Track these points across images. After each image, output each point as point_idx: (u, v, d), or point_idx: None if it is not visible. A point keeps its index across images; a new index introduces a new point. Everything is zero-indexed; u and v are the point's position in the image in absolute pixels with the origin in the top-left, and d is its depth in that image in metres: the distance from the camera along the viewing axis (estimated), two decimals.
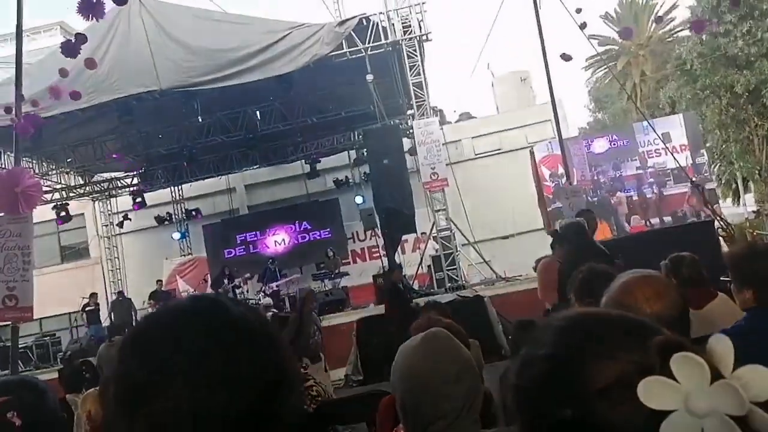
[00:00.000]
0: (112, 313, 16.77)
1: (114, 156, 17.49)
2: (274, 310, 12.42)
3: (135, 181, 20.01)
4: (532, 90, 23.84)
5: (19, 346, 15.58)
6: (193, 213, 21.07)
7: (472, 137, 21.83)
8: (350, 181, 20.79)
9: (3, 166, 16.20)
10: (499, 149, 21.55)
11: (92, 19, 7.25)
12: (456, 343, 1.55)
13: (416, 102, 14.08)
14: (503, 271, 15.50)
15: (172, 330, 0.83)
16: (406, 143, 16.59)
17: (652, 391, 0.52)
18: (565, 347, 0.64)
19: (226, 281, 15.95)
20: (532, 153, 16.41)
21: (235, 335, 0.84)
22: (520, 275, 15.89)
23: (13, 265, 9.09)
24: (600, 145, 16.06)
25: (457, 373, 1.49)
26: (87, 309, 16.23)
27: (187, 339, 0.82)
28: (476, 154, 21.70)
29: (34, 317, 9.92)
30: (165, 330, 0.84)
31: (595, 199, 15.62)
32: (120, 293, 17.61)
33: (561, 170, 14.02)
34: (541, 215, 15.85)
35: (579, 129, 30.92)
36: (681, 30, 29.74)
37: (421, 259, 15.86)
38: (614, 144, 16.04)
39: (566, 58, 9.51)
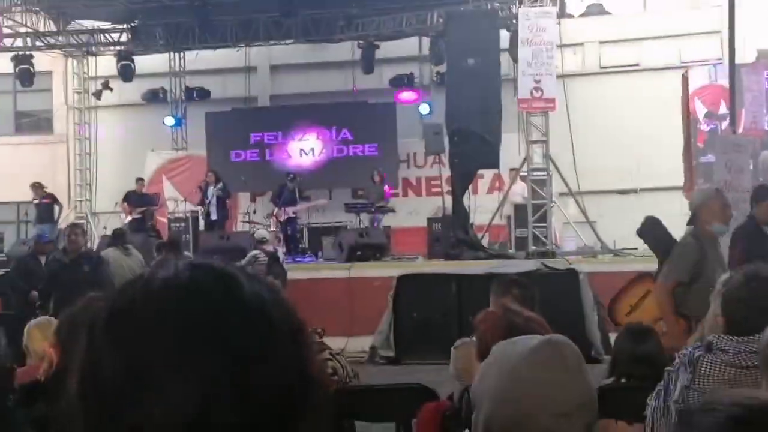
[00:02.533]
0: None
1: None
2: (267, 250, 12.41)
3: (124, 38, 20.24)
4: None
5: None
6: (196, 94, 21.33)
7: (600, 42, 21.20)
8: (416, 80, 20.59)
9: None
10: (637, 65, 20.91)
11: None
12: (583, 364, 1.64)
13: None
14: (612, 239, 15.32)
15: (163, 313, 0.85)
16: (504, 39, 16.26)
17: None
18: None
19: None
20: (685, 78, 15.86)
21: (250, 327, 0.86)
22: (635, 248, 15.74)
23: None
24: None
25: (578, 407, 1.56)
26: (42, 201, 16.77)
27: (184, 327, 0.84)
28: (602, 68, 21.12)
29: None
30: (154, 312, 0.86)
31: None
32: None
33: (724, 109, 13.56)
34: (684, 169, 15.44)
35: (758, 52, 29.56)
36: None
37: (501, 205, 15.77)
38: None
39: None
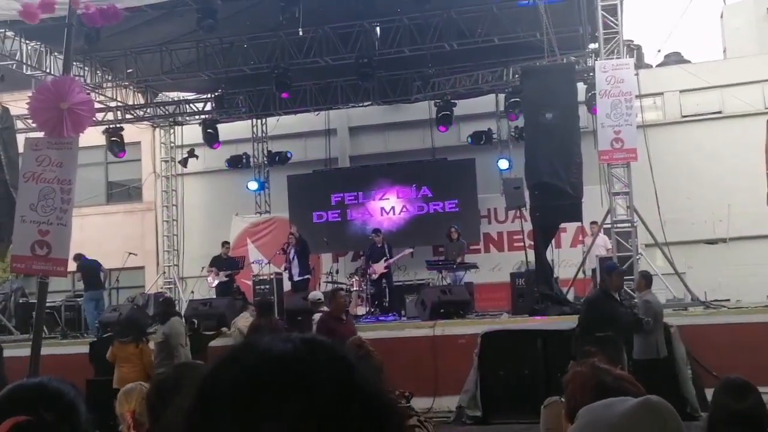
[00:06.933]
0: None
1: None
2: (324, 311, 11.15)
3: (208, 107, 20.93)
4: None
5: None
6: (278, 158, 21.79)
7: (681, 91, 20.91)
8: (494, 136, 20.61)
9: (48, 69, 17.51)
10: (720, 112, 20.52)
11: None
12: (681, 428, 1.58)
13: (604, 33, 13.86)
14: (703, 291, 14.82)
15: (285, 389, 0.84)
16: (582, 91, 16.16)
17: None
18: None
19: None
20: None
21: (367, 413, 0.86)
22: (728, 300, 15.18)
23: (50, 203, 9.87)
24: None
25: None
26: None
27: (299, 410, 0.83)
28: (683, 117, 20.79)
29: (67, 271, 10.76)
30: (270, 390, 0.84)
31: None
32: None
33: None
34: None
35: None
36: None
37: (584, 259, 15.50)
38: None
39: None
